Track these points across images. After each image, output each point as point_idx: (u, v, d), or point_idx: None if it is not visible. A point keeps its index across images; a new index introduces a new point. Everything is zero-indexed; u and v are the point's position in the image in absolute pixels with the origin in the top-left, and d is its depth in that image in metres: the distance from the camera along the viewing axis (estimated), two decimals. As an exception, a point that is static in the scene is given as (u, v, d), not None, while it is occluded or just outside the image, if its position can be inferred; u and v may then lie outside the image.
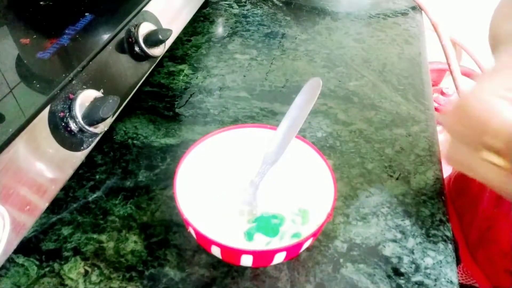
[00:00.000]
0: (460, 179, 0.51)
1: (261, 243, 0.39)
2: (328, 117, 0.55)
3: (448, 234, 0.43)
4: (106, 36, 0.43)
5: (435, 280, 0.39)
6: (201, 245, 0.38)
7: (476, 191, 0.46)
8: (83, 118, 0.38)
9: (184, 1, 0.59)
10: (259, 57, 0.64)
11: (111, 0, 0.49)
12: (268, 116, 0.55)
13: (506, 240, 0.42)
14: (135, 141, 0.51)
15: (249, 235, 0.40)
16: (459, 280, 0.46)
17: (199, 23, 0.71)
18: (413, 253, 0.41)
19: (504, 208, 0.42)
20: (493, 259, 0.44)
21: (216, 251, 0.35)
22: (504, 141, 0.24)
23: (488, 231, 0.44)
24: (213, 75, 0.61)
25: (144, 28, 0.47)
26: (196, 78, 0.61)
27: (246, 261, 0.35)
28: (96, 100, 0.39)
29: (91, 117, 0.38)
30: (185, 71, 0.61)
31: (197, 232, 0.35)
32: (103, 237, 0.41)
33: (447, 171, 0.50)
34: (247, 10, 0.74)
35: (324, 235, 0.42)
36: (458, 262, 0.47)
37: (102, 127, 0.41)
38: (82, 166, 0.41)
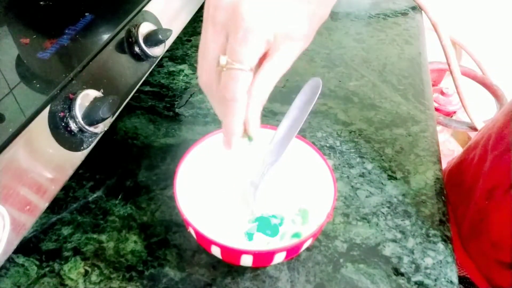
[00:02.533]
0: (455, 172, 0.51)
1: (261, 243, 0.39)
2: (328, 117, 0.55)
3: (448, 234, 0.43)
4: (106, 36, 0.43)
5: (435, 280, 0.39)
6: (201, 245, 0.38)
7: (470, 184, 0.46)
8: (83, 118, 0.38)
9: (184, 1, 0.59)
10: (259, 57, 0.64)
11: (111, 0, 0.49)
12: (268, 116, 0.55)
13: (497, 231, 0.42)
14: (135, 141, 0.51)
15: (249, 235, 0.40)
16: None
17: (199, 23, 0.71)
18: (413, 253, 0.41)
19: (496, 200, 0.42)
20: (484, 250, 0.44)
21: (216, 251, 0.35)
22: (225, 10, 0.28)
23: (480, 223, 0.45)
24: (213, 75, 0.61)
25: (144, 28, 0.47)
26: (196, 78, 0.60)
27: (246, 261, 0.35)
28: (96, 100, 0.39)
29: (91, 117, 0.38)
30: (185, 71, 0.61)
31: (197, 232, 0.35)
32: (103, 237, 0.41)
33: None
34: (247, 10, 0.74)
35: (324, 235, 0.42)
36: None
37: (102, 127, 0.41)
38: (82, 166, 0.41)
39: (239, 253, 0.34)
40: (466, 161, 0.49)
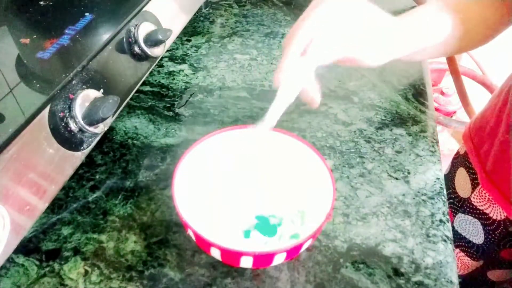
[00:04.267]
0: (480, 118, 0.57)
1: (259, 243, 0.39)
2: (328, 117, 0.55)
3: (448, 234, 0.43)
4: (106, 36, 0.43)
5: (435, 280, 0.39)
6: (201, 247, 0.38)
7: (494, 124, 0.52)
8: (83, 118, 0.38)
9: (184, 1, 0.59)
10: (259, 57, 0.64)
11: (111, 0, 0.49)
12: (268, 116, 0.55)
13: None
14: (135, 141, 0.51)
15: (248, 234, 0.40)
16: (474, 204, 0.53)
17: (199, 23, 0.71)
18: (413, 253, 0.41)
19: None
20: (507, 176, 0.49)
21: (215, 253, 0.35)
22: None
23: (503, 154, 0.49)
24: (213, 75, 0.61)
25: (144, 28, 0.47)
26: (196, 78, 0.61)
27: (246, 262, 0.35)
28: (96, 100, 0.39)
29: (91, 117, 0.38)
30: (185, 71, 0.61)
31: (196, 235, 0.35)
32: (103, 237, 0.41)
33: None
34: (247, 10, 0.74)
35: (324, 235, 0.42)
36: (476, 186, 0.54)
37: (102, 127, 0.41)
38: (82, 166, 0.41)
39: (239, 255, 0.34)
40: (491, 108, 0.53)
